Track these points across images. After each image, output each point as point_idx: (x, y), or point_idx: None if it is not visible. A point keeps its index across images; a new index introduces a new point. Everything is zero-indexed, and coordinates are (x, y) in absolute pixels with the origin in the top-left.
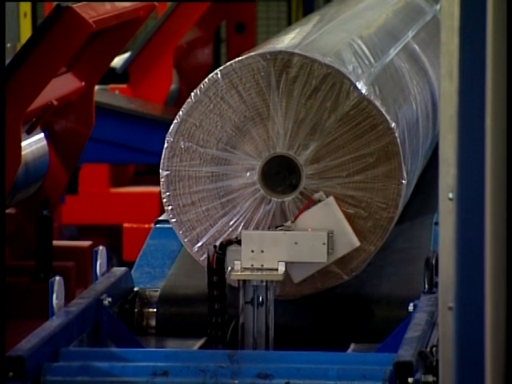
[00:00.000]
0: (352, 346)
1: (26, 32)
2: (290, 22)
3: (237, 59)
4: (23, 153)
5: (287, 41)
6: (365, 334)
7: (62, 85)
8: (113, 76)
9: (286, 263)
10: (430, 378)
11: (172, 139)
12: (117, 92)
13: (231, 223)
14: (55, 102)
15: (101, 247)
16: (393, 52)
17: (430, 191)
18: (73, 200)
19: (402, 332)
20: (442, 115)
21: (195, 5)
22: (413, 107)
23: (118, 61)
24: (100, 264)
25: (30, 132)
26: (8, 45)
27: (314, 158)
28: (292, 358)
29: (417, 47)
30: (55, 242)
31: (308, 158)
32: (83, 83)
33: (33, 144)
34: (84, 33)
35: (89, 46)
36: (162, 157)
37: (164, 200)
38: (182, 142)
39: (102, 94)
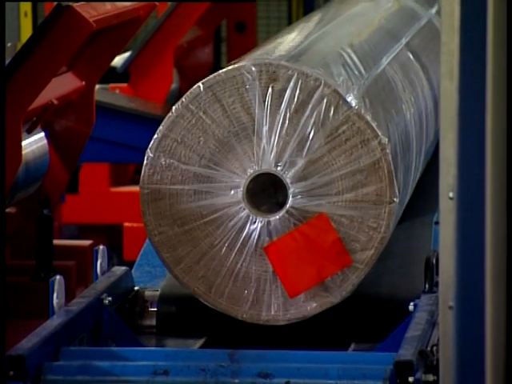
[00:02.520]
0: (352, 345)
1: (26, 31)
2: (290, 21)
3: (220, 71)
4: (23, 152)
5: (274, 51)
6: (365, 333)
7: (63, 84)
8: (113, 75)
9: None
10: (431, 378)
11: (152, 156)
12: (117, 91)
13: (215, 243)
14: (55, 102)
15: (101, 246)
16: (385, 61)
17: (430, 190)
18: (73, 199)
19: (403, 331)
20: (443, 115)
21: (195, 4)
22: (406, 119)
23: (118, 60)
24: (100, 263)
25: (30, 131)
26: (8, 44)
27: (301, 176)
28: (292, 357)
29: (411, 55)
30: (55, 242)
31: (295, 176)
32: (83, 82)
33: (33, 143)
34: (84, 32)
35: (89, 45)
36: (142, 174)
37: (144, 220)
38: (162, 159)
39: (103, 93)
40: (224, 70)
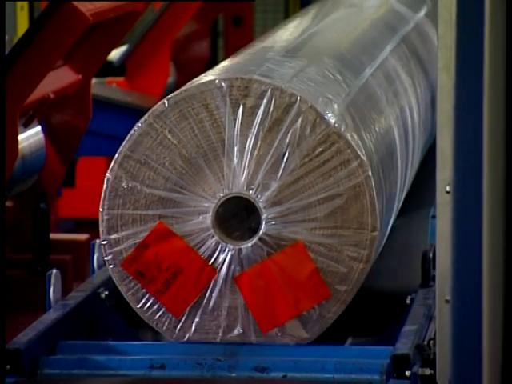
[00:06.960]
0: (349, 339)
1: (22, 25)
2: (287, 15)
3: (187, 86)
4: (20, 146)
5: (247, 62)
6: (362, 327)
7: (59, 78)
8: (110, 69)
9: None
10: (427, 371)
11: (113, 178)
12: (114, 85)
13: None
14: (52, 95)
15: (98, 240)
16: (368, 71)
17: (427, 184)
18: (70, 193)
19: (400, 325)
20: (439, 108)
21: None
22: (390, 136)
23: (115, 54)
24: (97, 257)
25: (26, 125)
26: (6, 38)
27: (275, 200)
28: (289, 351)
29: (396, 63)
30: (52, 235)
31: (269, 200)
32: (80, 76)
33: (30, 137)
34: (81, 26)
35: (86, 39)
36: (102, 198)
37: (104, 247)
38: (124, 182)
39: (99, 87)
40: (191, 84)
